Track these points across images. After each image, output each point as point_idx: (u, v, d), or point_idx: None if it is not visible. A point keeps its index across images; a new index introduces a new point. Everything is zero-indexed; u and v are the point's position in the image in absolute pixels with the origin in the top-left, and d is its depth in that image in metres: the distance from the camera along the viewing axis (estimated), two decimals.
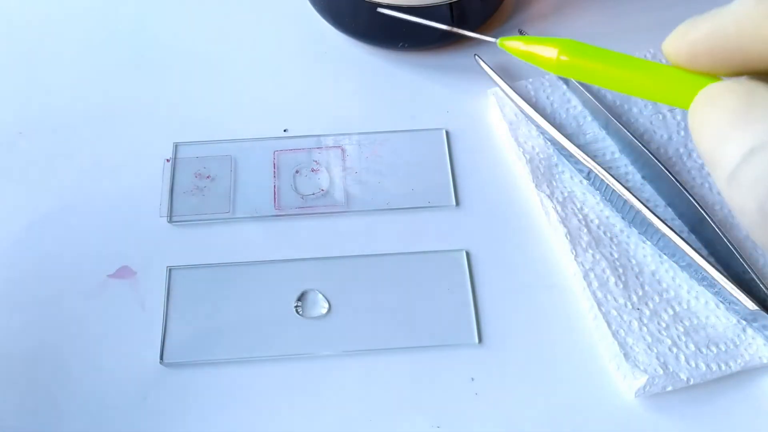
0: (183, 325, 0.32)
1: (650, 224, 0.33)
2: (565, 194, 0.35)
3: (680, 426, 0.30)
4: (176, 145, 0.38)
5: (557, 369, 0.32)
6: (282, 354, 0.32)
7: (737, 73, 0.19)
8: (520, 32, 0.41)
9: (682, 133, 0.37)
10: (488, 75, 0.39)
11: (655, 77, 0.21)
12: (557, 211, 0.35)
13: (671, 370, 0.30)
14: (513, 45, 0.24)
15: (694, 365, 0.31)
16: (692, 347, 0.31)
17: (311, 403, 0.31)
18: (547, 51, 0.23)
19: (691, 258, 0.32)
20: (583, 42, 0.23)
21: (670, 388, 0.30)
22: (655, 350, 0.31)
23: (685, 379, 0.30)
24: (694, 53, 0.19)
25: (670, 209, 0.35)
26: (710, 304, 0.32)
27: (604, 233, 0.34)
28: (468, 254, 0.35)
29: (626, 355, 0.31)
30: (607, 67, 0.22)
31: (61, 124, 0.39)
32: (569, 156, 0.36)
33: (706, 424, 0.30)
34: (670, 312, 0.32)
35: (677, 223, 0.35)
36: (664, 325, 0.32)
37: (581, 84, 0.38)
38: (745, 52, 0.18)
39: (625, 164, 0.37)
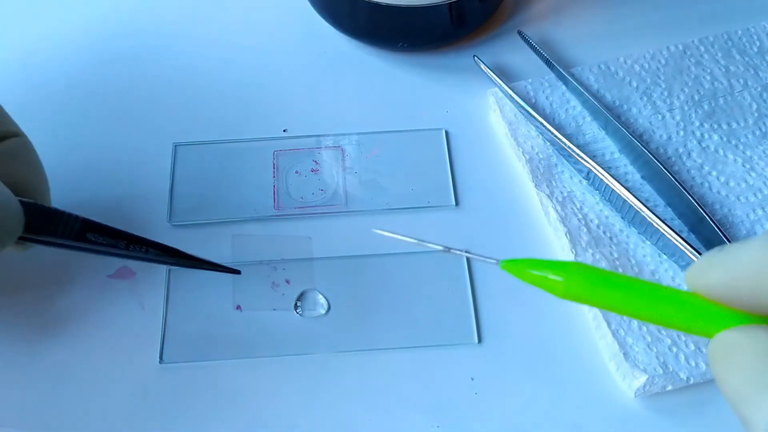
0: (183, 325, 0.32)
1: (650, 224, 0.33)
2: (565, 194, 0.35)
3: (680, 425, 0.30)
4: (176, 146, 0.38)
5: (557, 369, 0.32)
6: (282, 354, 0.32)
7: (758, 313, 0.19)
8: (520, 33, 0.41)
9: (682, 133, 0.37)
10: (487, 75, 0.39)
11: (671, 305, 0.20)
12: (557, 211, 0.35)
13: (671, 369, 0.30)
14: (517, 269, 0.23)
15: (693, 364, 0.31)
16: (692, 346, 0.31)
17: (311, 403, 0.31)
18: (552, 275, 0.22)
19: (691, 258, 0.32)
20: (591, 266, 0.21)
21: (669, 388, 0.30)
22: (655, 349, 0.31)
23: (685, 378, 0.30)
24: (712, 295, 0.19)
25: (669, 209, 0.35)
26: None
27: (604, 233, 0.34)
28: None
29: (626, 355, 0.31)
30: (618, 293, 0.21)
31: (60, 124, 0.39)
32: (569, 156, 0.36)
33: (706, 423, 0.30)
34: None
35: (677, 222, 0.35)
36: None
37: (581, 84, 0.38)
38: (763, 304, 0.18)
39: (624, 164, 0.37)
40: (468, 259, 0.34)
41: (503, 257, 0.34)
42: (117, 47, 0.42)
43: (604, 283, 0.21)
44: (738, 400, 0.18)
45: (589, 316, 0.32)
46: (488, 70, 0.39)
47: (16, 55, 0.42)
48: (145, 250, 0.29)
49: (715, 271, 0.19)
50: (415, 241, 0.26)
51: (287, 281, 0.33)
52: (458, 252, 0.26)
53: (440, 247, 0.26)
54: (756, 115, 0.38)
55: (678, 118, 0.38)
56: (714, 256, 0.19)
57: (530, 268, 0.22)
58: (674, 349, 0.31)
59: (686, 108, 0.38)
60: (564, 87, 0.39)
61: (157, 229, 0.35)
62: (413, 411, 0.31)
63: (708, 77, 0.39)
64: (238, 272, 0.31)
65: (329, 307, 0.33)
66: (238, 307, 0.32)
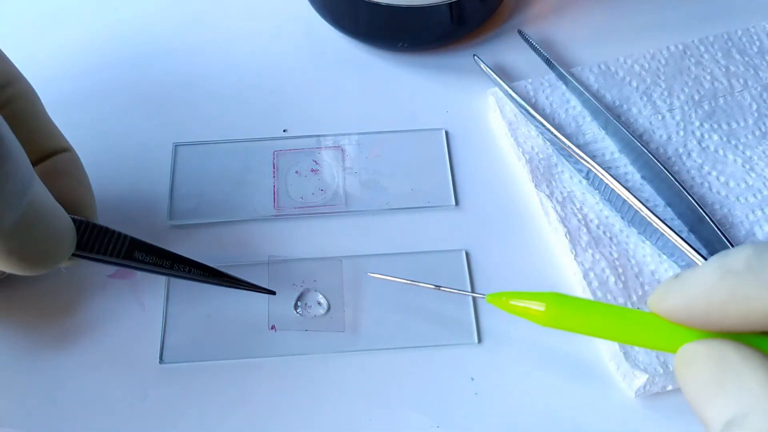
0: (183, 324, 0.33)
1: (649, 224, 0.33)
2: (565, 194, 0.35)
3: (680, 425, 0.30)
4: (176, 146, 0.38)
5: (557, 369, 0.32)
6: (281, 353, 0.32)
7: (712, 331, 0.21)
8: (520, 33, 0.41)
9: (682, 133, 0.37)
10: (487, 75, 0.39)
11: (640, 326, 0.22)
12: (557, 211, 0.35)
13: (671, 369, 0.30)
14: (500, 301, 0.24)
15: None
16: None
17: (311, 403, 0.31)
18: (534, 305, 0.24)
19: (691, 258, 0.32)
20: (568, 295, 0.23)
21: (670, 387, 0.30)
22: None
23: None
24: (672, 317, 0.21)
25: (669, 209, 0.35)
26: None
27: (604, 233, 0.34)
28: (467, 254, 0.35)
29: (626, 355, 0.31)
30: (594, 317, 0.23)
31: (60, 125, 0.39)
32: (568, 156, 0.36)
33: None
34: None
35: (676, 222, 0.35)
36: None
37: (581, 84, 0.38)
38: (716, 323, 0.20)
39: (624, 164, 0.37)
40: (468, 259, 0.34)
41: (503, 256, 0.35)
42: (117, 48, 0.42)
43: (582, 310, 0.23)
44: (698, 403, 0.19)
45: None
46: (488, 69, 0.39)
47: (15, 56, 0.42)
48: (189, 270, 0.30)
49: (672, 297, 0.21)
50: (408, 282, 0.30)
51: (319, 302, 0.33)
52: (448, 290, 0.29)
53: (432, 286, 0.29)
54: (756, 115, 0.38)
55: (678, 118, 0.38)
56: (671, 283, 0.21)
57: (513, 300, 0.24)
58: None
59: (686, 108, 0.38)
60: (564, 87, 0.39)
61: (157, 229, 0.35)
62: (413, 411, 0.31)
63: (708, 77, 0.39)
64: (273, 293, 0.31)
65: (329, 307, 0.33)
66: (273, 327, 0.32)
